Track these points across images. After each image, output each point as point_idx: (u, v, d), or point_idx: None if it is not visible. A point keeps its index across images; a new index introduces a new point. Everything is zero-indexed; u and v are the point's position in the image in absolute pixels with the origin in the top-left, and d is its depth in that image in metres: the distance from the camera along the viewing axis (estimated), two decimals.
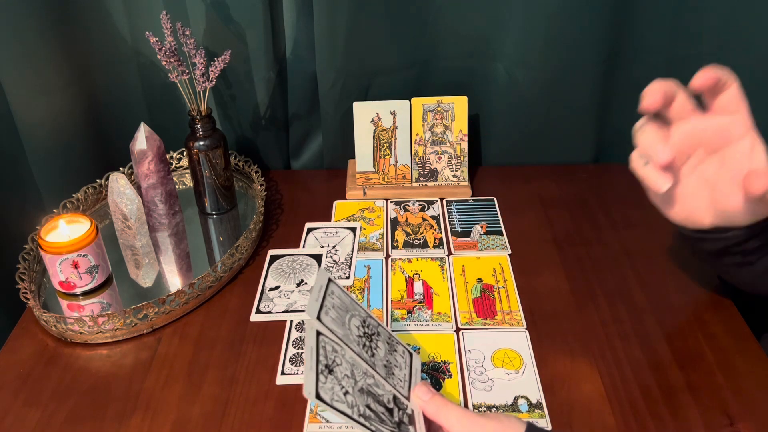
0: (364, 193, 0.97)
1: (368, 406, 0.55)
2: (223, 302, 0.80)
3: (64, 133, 0.92)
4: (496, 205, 0.95)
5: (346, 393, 0.53)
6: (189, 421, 0.65)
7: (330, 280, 0.61)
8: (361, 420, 0.53)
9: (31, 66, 0.86)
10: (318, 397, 0.51)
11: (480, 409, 0.65)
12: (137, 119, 0.87)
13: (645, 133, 0.57)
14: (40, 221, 0.82)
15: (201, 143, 0.87)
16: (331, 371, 0.54)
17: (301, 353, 0.72)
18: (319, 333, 0.55)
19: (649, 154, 0.56)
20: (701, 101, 0.57)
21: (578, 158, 1.04)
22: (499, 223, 0.91)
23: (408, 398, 0.59)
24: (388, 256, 0.86)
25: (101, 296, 0.80)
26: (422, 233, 0.90)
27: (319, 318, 0.56)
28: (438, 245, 0.88)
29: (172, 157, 1.00)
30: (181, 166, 1.02)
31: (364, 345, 0.59)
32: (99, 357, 0.73)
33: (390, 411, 0.56)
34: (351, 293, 0.79)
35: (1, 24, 0.81)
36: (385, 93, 0.95)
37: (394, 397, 0.58)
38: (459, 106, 0.94)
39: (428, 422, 0.57)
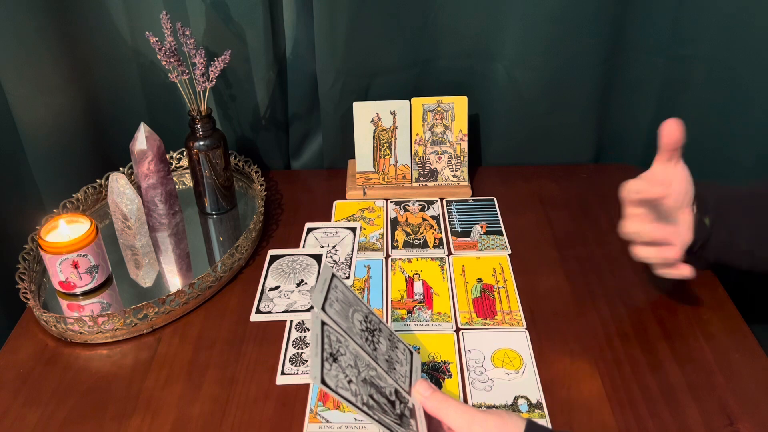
0: (364, 193, 0.97)
1: (371, 397, 0.55)
2: (223, 302, 0.80)
3: (64, 133, 0.92)
4: (496, 205, 0.95)
5: (350, 382, 0.54)
6: (189, 421, 0.65)
7: (333, 275, 0.62)
8: (365, 409, 0.53)
9: (31, 66, 0.86)
10: (323, 382, 0.51)
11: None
12: (137, 119, 0.87)
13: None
14: (40, 221, 0.82)
15: (201, 143, 0.87)
16: (335, 360, 0.54)
17: (301, 353, 0.72)
18: (323, 323, 0.55)
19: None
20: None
21: (578, 158, 1.04)
22: (499, 223, 0.91)
23: (409, 393, 0.59)
24: (388, 256, 0.86)
25: (101, 296, 0.80)
26: (422, 233, 0.90)
27: (323, 309, 0.56)
28: (438, 245, 0.88)
29: (172, 157, 1.00)
30: (181, 166, 1.01)
31: (367, 339, 0.60)
32: (99, 357, 0.73)
33: (392, 403, 0.56)
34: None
35: (1, 24, 0.81)
36: (385, 93, 0.95)
37: (396, 391, 0.58)
38: (459, 106, 0.94)
39: (428, 418, 0.58)
